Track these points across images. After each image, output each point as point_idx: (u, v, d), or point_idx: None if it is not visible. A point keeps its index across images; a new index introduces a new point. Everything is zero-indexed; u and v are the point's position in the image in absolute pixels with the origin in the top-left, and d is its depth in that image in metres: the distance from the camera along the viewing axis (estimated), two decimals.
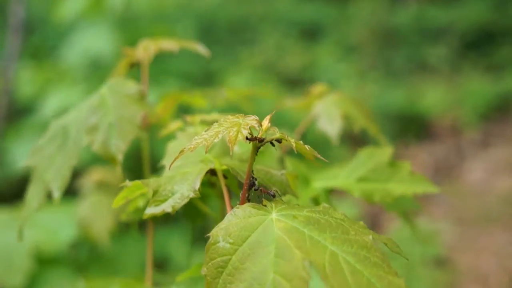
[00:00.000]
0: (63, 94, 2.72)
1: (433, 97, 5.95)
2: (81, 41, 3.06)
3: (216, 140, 0.60)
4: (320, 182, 0.90)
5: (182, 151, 0.62)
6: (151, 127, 0.98)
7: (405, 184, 0.88)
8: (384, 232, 3.74)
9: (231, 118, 0.63)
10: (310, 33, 7.30)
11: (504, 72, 6.52)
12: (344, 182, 0.90)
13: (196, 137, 0.62)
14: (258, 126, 0.61)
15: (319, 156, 0.62)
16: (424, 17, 7.60)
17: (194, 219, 0.95)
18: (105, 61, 3.04)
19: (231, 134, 0.59)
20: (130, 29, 3.28)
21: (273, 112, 0.63)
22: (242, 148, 0.78)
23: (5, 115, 2.52)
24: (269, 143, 0.64)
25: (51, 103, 2.66)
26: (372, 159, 0.91)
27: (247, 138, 0.61)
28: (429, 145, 5.20)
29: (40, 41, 3.89)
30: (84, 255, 1.99)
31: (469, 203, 4.36)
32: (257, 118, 0.61)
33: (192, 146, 0.61)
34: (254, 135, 0.63)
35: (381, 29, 7.26)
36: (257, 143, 0.63)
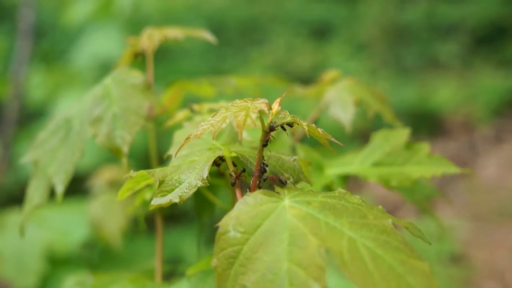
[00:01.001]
0: (74, 97, 2.71)
1: (445, 93, 5.90)
2: (90, 44, 3.05)
3: (223, 126, 0.57)
4: (334, 169, 0.86)
5: (188, 138, 0.59)
6: (157, 118, 0.95)
7: (424, 166, 0.84)
8: (398, 229, 3.70)
9: (239, 102, 0.59)
10: (320, 32, 7.27)
11: None
12: (359, 168, 0.86)
13: (202, 123, 0.59)
14: (268, 110, 0.58)
15: (332, 139, 0.59)
16: (434, 13, 7.55)
17: (204, 212, 0.91)
18: (114, 64, 3.02)
19: (239, 118, 0.56)
20: (139, 31, 3.26)
21: (283, 95, 0.60)
22: (252, 136, 0.74)
23: (17, 119, 2.51)
24: (280, 128, 0.60)
25: (61, 107, 2.65)
26: (387, 142, 0.87)
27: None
28: (442, 141, 5.16)
29: (50, 45, 3.89)
30: (97, 255, 1.97)
31: (483, 199, 4.32)
32: (266, 101, 0.58)
33: (198, 132, 0.58)
34: (264, 120, 0.59)
35: (391, 27, 7.22)
36: (267, 127, 0.59)
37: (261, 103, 0.57)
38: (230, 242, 0.53)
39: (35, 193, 0.86)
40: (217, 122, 0.58)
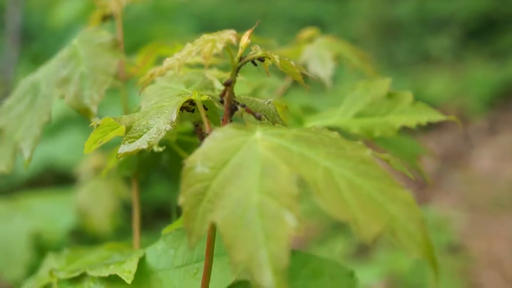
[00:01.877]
0: None
1: (438, 87, 5.91)
2: None
3: (189, 59, 0.53)
4: (315, 122, 0.83)
5: (151, 75, 0.55)
6: (130, 81, 0.91)
7: (407, 114, 0.80)
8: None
9: (206, 36, 0.56)
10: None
11: (508, 59, 6.46)
12: (341, 120, 0.82)
13: (167, 59, 0.56)
14: (236, 42, 0.54)
15: (306, 72, 0.56)
16: (424, 8, 7.54)
17: (179, 171, 0.87)
18: None
19: (205, 50, 0.52)
20: (129, 31, 3.24)
21: (254, 27, 0.56)
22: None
23: None
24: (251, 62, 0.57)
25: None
26: (368, 93, 0.83)
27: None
28: (436, 134, 5.15)
29: (40, 47, 3.87)
30: (85, 245, 1.94)
31: (479, 190, 4.31)
32: (234, 32, 0.54)
33: (163, 68, 0.54)
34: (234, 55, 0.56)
35: (382, 22, 7.22)
36: (236, 62, 0.56)
37: (228, 34, 0.54)
38: (198, 178, 0.49)
39: (1, 161, 0.82)
40: (183, 56, 0.54)
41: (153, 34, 3.08)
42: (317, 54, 0.99)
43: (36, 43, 3.89)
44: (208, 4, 7.20)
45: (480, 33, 7.06)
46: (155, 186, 2.80)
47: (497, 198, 4.14)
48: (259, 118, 0.58)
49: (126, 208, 1.93)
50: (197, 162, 0.49)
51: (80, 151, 2.23)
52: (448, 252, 3.44)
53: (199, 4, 6.86)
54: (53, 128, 2.48)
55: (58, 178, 2.69)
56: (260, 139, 0.50)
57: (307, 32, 1.08)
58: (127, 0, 0.94)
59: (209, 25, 6.33)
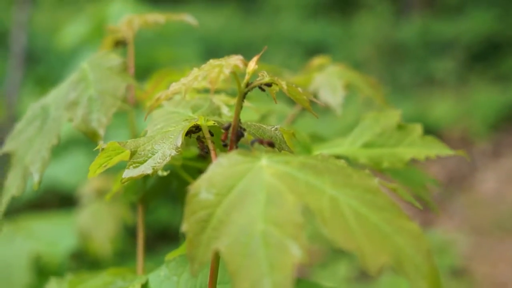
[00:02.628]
0: None
1: (442, 109, 5.91)
2: None
3: (195, 84, 0.53)
4: (322, 150, 0.82)
5: (158, 99, 0.55)
6: (139, 105, 0.91)
7: (417, 147, 0.80)
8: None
9: (212, 61, 0.56)
10: (316, 52, 7.22)
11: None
12: (349, 149, 0.82)
13: (173, 84, 0.56)
14: (243, 67, 0.54)
15: (314, 99, 0.55)
16: (429, 31, 7.58)
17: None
18: None
19: (212, 75, 0.52)
20: (135, 53, 3.25)
21: (261, 53, 0.56)
22: (233, 112, 0.70)
23: None
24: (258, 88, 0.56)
25: None
26: (378, 123, 0.83)
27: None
28: (440, 157, 5.14)
29: (45, 70, 3.89)
30: (86, 268, 1.93)
31: (482, 213, 4.30)
32: (241, 57, 0.54)
33: (169, 93, 0.54)
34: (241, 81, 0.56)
35: (386, 45, 7.24)
36: (243, 88, 0.56)
37: (235, 60, 0.54)
38: (202, 205, 0.48)
39: (12, 184, 0.82)
40: (189, 81, 0.54)
41: (158, 57, 3.09)
42: (328, 82, 0.98)
43: (41, 65, 3.92)
44: (213, 27, 7.24)
45: (484, 56, 7.08)
46: (158, 209, 2.80)
47: (501, 221, 4.13)
48: (273, 146, 0.57)
49: (127, 231, 1.93)
50: (202, 188, 0.49)
51: (83, 173, 2.24)
52: (452, 276, 3.42)
53: (204, 27, 6.90)
54: (57, 150, 2.48)
55: (60, 200, 2.69)
56: (266, 166, 0.50)
57: (318, 60, 1.08)
58: (139, 26, 0.94)
59: (214, 48, 6.36)
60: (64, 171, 2.37)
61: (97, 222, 1.62)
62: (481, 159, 5.18)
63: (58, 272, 1.79)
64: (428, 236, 3.60)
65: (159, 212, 2.81)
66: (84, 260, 2.00)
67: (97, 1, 3.93)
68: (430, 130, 5.30)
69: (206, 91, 0.80)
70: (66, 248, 1.81)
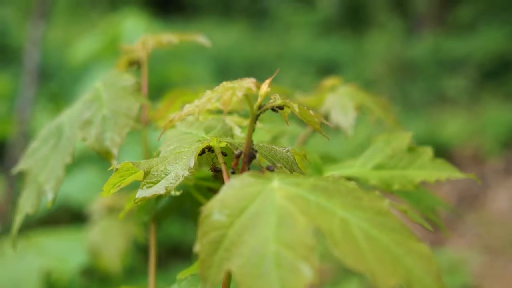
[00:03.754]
0: None
1: (453, 127, 5.90)
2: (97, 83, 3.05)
3: (209, 106, 0.54)
4: (333, 171, 0.83)
5: (171, 120, 0.56)
6: (152, 124, 0.92)
7: (427, 170, 0.80)
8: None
9: (225, 84, 0.57)
10: (327, 70, 7.28)
11: None
12: (360, 171, 0.82)
13: (187, 105, 0.57)
14: (256, 90, 0.55)
15: (325, 121, 0.56)
16: (440, 49, 7.58)
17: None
18: None
19: (225, 97, 0.53)
20: (147, 71, 3.27)
21: (273, 76, 0.57)
22: (246, 133, 0.71)
23: (21, 157, 2.49)
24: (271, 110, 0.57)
25: None
26: (389, 145, 0.83)
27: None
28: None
29: (58, 87, 3.92)
30: (96, 285, 1.94)
31: (495, 231, 4.27)
32: (254, 80, 0.55)
33: (183, 114, 0.55)
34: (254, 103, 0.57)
35: (397, 63, 7.25)
36: (255, 110, 0.56)
37: (248, 82, 0.55)
38: (214, 226, 0.49)
39: (26, 202, 0.83)
40: (203, 103, 0.55)
41: (170, 75, 3.11)
42: (339, 103, 1.00)
43: (54, 82, 3.94)
44: (225, 45, 7.27)
45: (495, 74, 7.07)
46: (170, 226, 2.81)
47: None
48: (272, 170, 0.58)
49: (137, 248, 1.93)
50: (214, 209, 0.50)
51: (95, 190, 2.24)
52: None
53: (215, 44, 6.93)
54: (69, 166, 2.49)
55: (72, 216, 2.70)
56: (277, 188, 0.51)
57: (330, 81, 1.09)
58: (153, 46, 0.95)
59: (225, 65, 6.39)
60: (76, 188, 2.39)
61: (107, 238, 1.63)
62: (493, 177, 5.16)
63: None
64: (440, 255, 3.59)
65: (170, 229, 2.82)
66: (94, 276, 2.00)
67: (110, 17, 3.97)
68: (442, 148, 5.30)
69: (219, 112, 0.81)
70: (76, 264, 1.82)
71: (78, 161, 2.50)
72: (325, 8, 9.55)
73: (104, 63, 3.10)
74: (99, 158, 0.79)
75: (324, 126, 0.63)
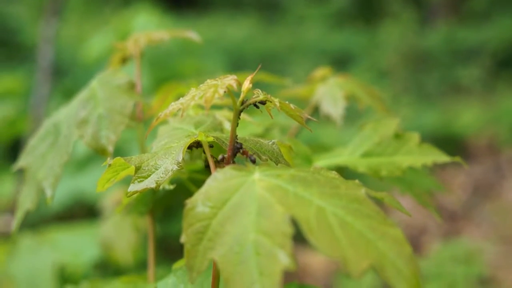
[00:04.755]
0: None
1: (468, 117, 5.86)
2: None
3: (192, 103, 0.57)
4: (323, 161, 0.85)
5: (157, 118, 0.58)
6: (147, 121, 0.95)
7: (414, 155, 0.82)
8: (425, 253, 3.68)
9: (209, 81, 0.59)
10: (341, 61, 7.28)
11: None
12: (349, 159, 0.85)
13: (172, 103, 0.59)
14: (238, 87, 0.57)
15: (306, 115, 0.58)
16: (454, 38, 7.54)
17: None
18: None
19: (207, 95, 0.56)
20: (159, 66, 3.30)
21: (255, 72, 0.59)
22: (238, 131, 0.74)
23: None
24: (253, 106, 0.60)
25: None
26: (376, 132, 0.86)
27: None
28: (460, 165, 5.10)
29: (72, 83, 3.95)
30: (109, 276, 1.97)
31: (510, 221, 4.25)
32: (235, 77, 0.57)
33: (168, 111, 0.58)
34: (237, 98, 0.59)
35: (411, 53, 7.22)
36: (238, 105, 0.59)
37: (230, 79, 0.57)
38: (199, 217, 0.52)
39: (26, 198, 0.86)
40: (187, 101, 0.57)
41: (182, 69, 3.13)
42: (330, 93, 1.02)
43: (67, 78, 3.98)
44: (237, 38, 7.28)
45: (510, 63, 7.02)
46: (172, 222, 2.84)
47: None
48: (253, 161, 0.60)
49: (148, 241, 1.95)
50: (198, 202, 0.52)
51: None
52: (479, 285, 3.39)
53: (228, 37, 6.94)
54: (83, 162, 2.52)
55: (87, 211, 2.73)
56: (258, 180, 0.53)
57: (320, 72, 1.11)
58: (145, 43, 0.97)
59: (238, 59, 6.39)
60: (91, 183, 2.41)
61: (119, 233, 1.65)
62: (508, 166, 5.13)
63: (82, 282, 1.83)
64: (456, 245, 3.58)
65: (174, 224, 2.85)
66: (107, 270, 2.03)
67: (122, 13, 4.00)
68: (457, 139, 5.28)
69: (213, 106, 0.83)
70: (89, 258, 1.85)
71: (91, 157, 2.53)
72: (338, 0, 9.52)
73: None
74: (114, 153, 0.81)
75: (317, 116, 0.65)
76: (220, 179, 0.54)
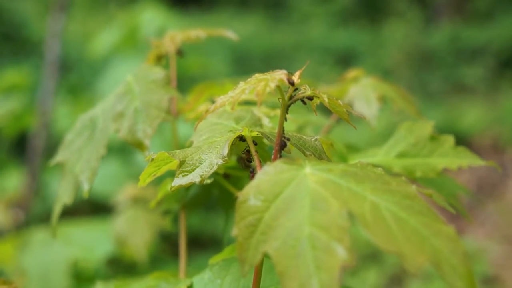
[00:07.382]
0: None
1: (472, 116, 5.87)
2: (116, 75, 3.09)
3: (243, 96, 0.57)
4: (358, 159, 0.86)
5: (206, 111, 0.59)
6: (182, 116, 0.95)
7: (449, 157, 0.83)
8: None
9: (258, 75, 0.59)
10: (345, 60, 7.29)
11: None
12: (384, 159, 0.85)
13: (221, 96, 0.59)
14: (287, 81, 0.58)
15: (353, 111, 0.59)
16: (458, 37, 7.54)
17: (229, 205, 0.91)
18: None
19: (258, 88, 0.56)
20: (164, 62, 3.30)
21: (303, 68, 0.59)
22: (273, 122, 0.74)
23: (43, 149, 2.54)
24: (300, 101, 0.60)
25: None
26: (412, 134, 0.86)
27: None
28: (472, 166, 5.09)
29: (77, 78, 3.96)
30: (122, 273, 1.97)
31: None
32: (286, 72, 0.58)
33: (218, 104, 0.58)
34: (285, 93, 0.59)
35: (415, 52, 7.22)
36: (287, 100, 0.59)
37: (280, 74, 0.57)
38: (251, 210, 0.52)
39: (64, 193, 0.87)
40: (236, 94, 0.58)
41: (188, 67, 3.14)
42: (363, 94, 1.02)
43: (73, 74, 3.98)
44: (242, 35, 7.27)
45: None
46: (189, 217, 2.84)
47: None
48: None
49: (161, 238, 1.96)
50: (250, 195, 0.52)
51: (116, 182, 2.26)
52: (483, 284, 3.40)
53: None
54: None
55: (93, 208, 2.74)
56: (310, 174, 0.53)
57: (353, 72, 1.11)
58: (181, 39, 0.98)
59: (242, 56, 6.39)
60: (98, 180, 2.41)
61: (134, 228, 1.65)
62: None
63: (95, 278, 1.84)
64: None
65: (189, 220, 2.85)
66: (119, 265, 2.04)
67: (128, 10, 4.00)
68: (461, 138, 5.28)
69: (246, 103, 0.84)
70: (102, 254, 1.86)
71: None
72: None
73: (122, 55, 3.13)
74: (121, 150, 0.82)
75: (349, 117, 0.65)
76: (271, 173, 0.54)
